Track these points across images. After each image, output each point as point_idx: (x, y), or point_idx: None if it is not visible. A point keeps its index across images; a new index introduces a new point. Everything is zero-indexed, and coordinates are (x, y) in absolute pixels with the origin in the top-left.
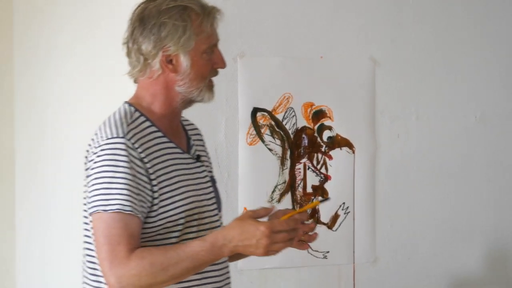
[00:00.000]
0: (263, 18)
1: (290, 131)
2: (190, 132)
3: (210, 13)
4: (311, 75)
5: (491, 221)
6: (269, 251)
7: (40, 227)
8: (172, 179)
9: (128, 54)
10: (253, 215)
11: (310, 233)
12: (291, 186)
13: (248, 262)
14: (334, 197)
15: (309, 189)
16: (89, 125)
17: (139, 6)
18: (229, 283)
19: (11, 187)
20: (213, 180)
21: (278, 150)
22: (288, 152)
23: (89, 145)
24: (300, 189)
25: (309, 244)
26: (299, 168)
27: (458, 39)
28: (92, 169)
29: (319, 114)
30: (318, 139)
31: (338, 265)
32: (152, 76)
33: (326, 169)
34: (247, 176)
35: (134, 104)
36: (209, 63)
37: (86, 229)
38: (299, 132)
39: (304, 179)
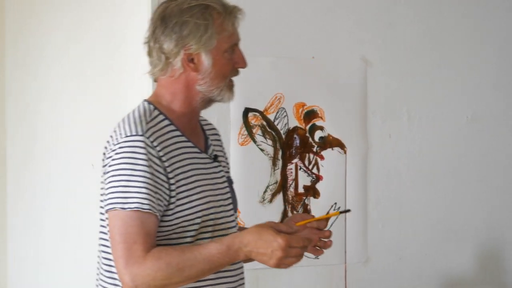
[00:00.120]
0: (255, 19)
1: (281, 131)
2: (208, 132)
3: (231, 12)
4: (303, 75)
5: (482, 221)
6: (280, 264)
7: (32, 228)
8: (189, 178)
9: (149, 53)
10: (274, 226)
11: (325, 240)
12: (282, 186)
13: None
14: (326, 197)
15: (300, 189)
16: (81, 126)
17: (160, 5)
18: (243, 284)
19: (2, 187)
20: (229, 181)
21: (270, 150)
22: (280, 152)
23: (108, 141)
24: (291, 189)
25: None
26: (291, 168)
27: (449, 39)
28: (110, 166)
29: (310, 114)
30: (310, 139)
31: (329, 265)
32: (174, 75)
33: (318, 169)
34: (239, 176)
35: (154, 102)
36: (230, 62)
37: (102, 226)
38: (291, 132)
39: (296, 179)
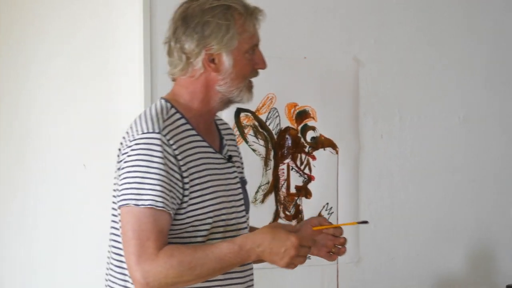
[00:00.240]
0: None
1: (273, 132)
2: (223, 132)
3: (253, 13)
4: (295, 76)
5: (474, 221)
6: (290, 264)
7: (24, 228)
8: (203, 178)
9: (170, 53)
10: (284, 226)
11: (339, 247)
12: (274, 186)
13: None
14: (318, 198)
15: (292, 190)
16: (73, 126)
17: (181, 5)
18: (252, 285)
19: None
20: (243, 182)
21: (262, 150)
22: (272, 153)
23: (123, 137)
24: (283, 189)
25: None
26: (283, 169)
27: (441, 40)
28: (126, 162)
29: (302, 115)
30: (302, 139)
31: (321, 265)
32: (194, 75)
33: (310, 169)
34: None
35: (171, 101)
36: (251, 63)
37: (114, 221)
38: (283, 132)
39: (288, 179)
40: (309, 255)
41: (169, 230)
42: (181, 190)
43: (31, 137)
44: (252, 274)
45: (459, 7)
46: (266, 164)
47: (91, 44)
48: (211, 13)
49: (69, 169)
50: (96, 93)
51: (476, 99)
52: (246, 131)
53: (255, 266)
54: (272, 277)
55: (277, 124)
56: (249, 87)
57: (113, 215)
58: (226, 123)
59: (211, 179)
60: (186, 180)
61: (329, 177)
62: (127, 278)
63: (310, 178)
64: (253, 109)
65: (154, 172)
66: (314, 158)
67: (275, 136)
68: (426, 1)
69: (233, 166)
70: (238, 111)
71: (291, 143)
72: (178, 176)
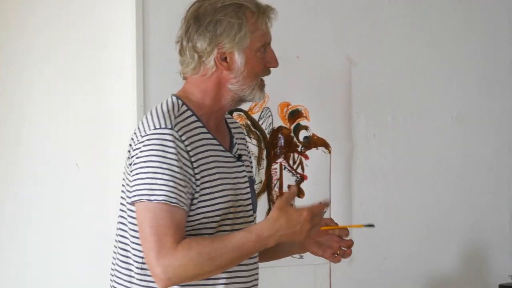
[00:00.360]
0: None
1: (266, 131)
2: (233, 131)
3: (264, 12)
4: (287, 75)
5: (467, 221)
6: (308, 237)
7: (18, 229)
8: (213, 175)
9: (181, 52)
10: (287, 201)
11: (345, 249)
12: (267, 186)
13: None
14: (310, 197)
15: (285, 189)
16: (66, 127)
17: (193, 4)
18: (256, 284)
19: None
20: (251, 181)
21: (254, 150)
22: (264, 152)
23: (134, 133)
24: (276, 189)
25: None
26: (275, 168)
27: (433, 39)
28: (138, 157)
29: (295, 114)
30: (295, 139)
31: (314, 264)
32: (206, 74)
33: (303, 169)
34: None
35: (182, 98)
36: (263, 61)
37: (121, 216)
38: (275, 132)
39: (280, 179)
40: (302, 254)
41: None
42: (194, 186)
43: (24, 137)
44: (257, 273)
45: (452, 7)
46: (258, 163)
47: (84, 44)
48: (223, 12)
49: (62, 169)
50: (89, 93)
51: (469, 98)
52: None
53: None
54: (265, 275)
55: (270, 124)
56: (261, 86)
57: (121, 210)
58: (236, 122)
59: (221, 177)
60: (197, 176)
61: (322, 176)
62: (132, 274)
63: (302, 178)
64: (246, 109)
65: (167, 168)
66: (306, 157)
67: (268, 136)
68: (419, 0)
69: (242, 165)
70: (231, 111)
71: (284, 143)
72: (191, 171)
